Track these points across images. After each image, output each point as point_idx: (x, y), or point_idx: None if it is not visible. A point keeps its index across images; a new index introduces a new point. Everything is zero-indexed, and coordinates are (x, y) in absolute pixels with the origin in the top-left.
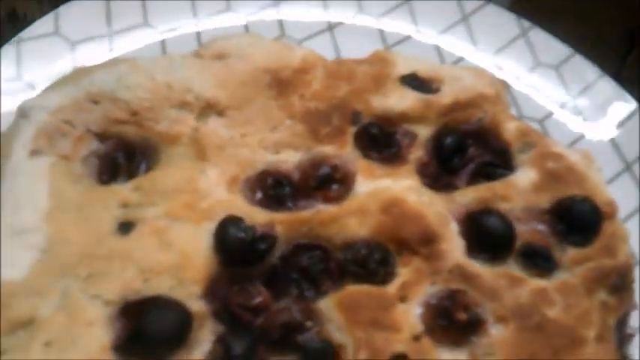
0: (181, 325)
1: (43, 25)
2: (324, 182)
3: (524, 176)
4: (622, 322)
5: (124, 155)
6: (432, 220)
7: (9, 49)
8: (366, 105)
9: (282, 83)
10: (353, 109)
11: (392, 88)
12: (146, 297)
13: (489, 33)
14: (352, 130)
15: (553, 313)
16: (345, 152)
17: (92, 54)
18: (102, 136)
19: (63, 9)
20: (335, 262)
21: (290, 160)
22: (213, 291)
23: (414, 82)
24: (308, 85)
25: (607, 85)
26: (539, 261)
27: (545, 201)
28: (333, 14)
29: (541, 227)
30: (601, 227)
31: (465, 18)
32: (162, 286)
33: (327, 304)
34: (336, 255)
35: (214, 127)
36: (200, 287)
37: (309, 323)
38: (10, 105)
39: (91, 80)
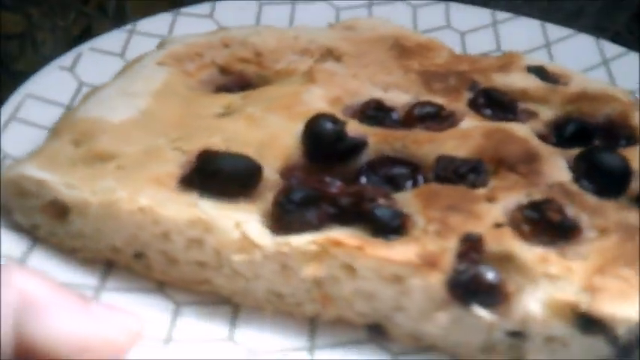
0: (250, 170)
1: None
2: (428, 117)
3: None
4: None
5: (239, 89)
6: (536, 144)
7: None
8: (486, 78)
9: (404, 49)
10: (472, 79)
11: (516, 71)
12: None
13: None
14: (468, 95)
15: None
16: (455, 104)
17: None
18: (224, 70)
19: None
20: (424, 177)
21: (397, 99)
22: (289, 173)
23: (540, 72)
24: (430, 58)
25: None
26: None
27: None
28: None
29: None
30: None
31: None
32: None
33: (405, 195)
34: (426, 173)
35: (329, 66)
36: (278, 164)
37: (381, 200)
38: None
39: (228, 32)
